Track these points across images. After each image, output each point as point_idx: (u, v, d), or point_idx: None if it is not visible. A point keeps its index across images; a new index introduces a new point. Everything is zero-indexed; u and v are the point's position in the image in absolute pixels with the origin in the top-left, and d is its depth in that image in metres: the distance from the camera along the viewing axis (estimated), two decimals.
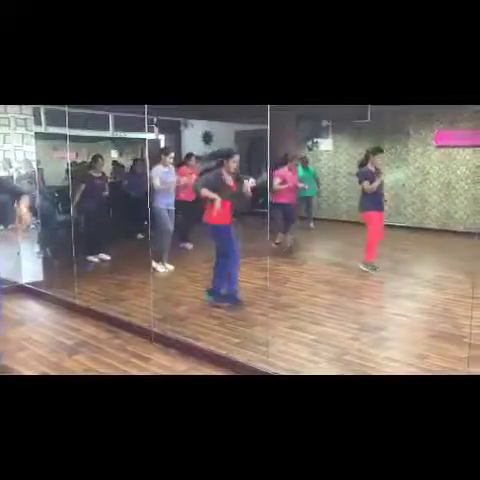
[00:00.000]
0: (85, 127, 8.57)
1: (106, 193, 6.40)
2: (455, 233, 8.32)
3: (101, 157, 6.49)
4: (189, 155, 7.25)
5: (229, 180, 4.33)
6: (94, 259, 6.35)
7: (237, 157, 4.38)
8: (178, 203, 6.08)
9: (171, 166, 5.84)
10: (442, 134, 8.65)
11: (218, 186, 4.26)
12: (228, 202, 4.27)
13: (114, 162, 9.90)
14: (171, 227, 5.78)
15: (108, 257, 6.41)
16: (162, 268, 5.74)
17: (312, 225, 9.03)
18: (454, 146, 8.53)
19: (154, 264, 5.46)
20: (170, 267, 5.85)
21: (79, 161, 8.81)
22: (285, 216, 6.79)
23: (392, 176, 8.81)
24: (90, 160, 6.74)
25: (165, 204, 5.66)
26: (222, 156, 4.40)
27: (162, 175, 5.68)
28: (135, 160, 8.56)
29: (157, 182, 5.57)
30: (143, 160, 7.95)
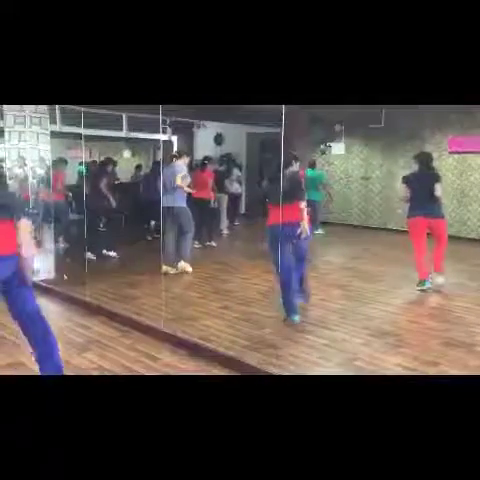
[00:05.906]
0: (99, 126, 8.61)
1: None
2: (468, 240, 8.25)
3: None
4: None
5: None
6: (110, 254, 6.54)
7: None
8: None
9: (174, 162, 5.72)
10: (456, 140, 8.57)
11: None
12: None
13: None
14: (171, 225, 5.69)
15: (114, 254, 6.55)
16: (166, 269, 5.41)
17: (320, 231, 8.51)
18: (468, 152, 8.45)
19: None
20: (184, 267, 5.68)
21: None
22: None
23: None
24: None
25: (164, 202, 5.40)
26: None
27: (164, 172, 5.62)
28: (154, 163, 8.62)
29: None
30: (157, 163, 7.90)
